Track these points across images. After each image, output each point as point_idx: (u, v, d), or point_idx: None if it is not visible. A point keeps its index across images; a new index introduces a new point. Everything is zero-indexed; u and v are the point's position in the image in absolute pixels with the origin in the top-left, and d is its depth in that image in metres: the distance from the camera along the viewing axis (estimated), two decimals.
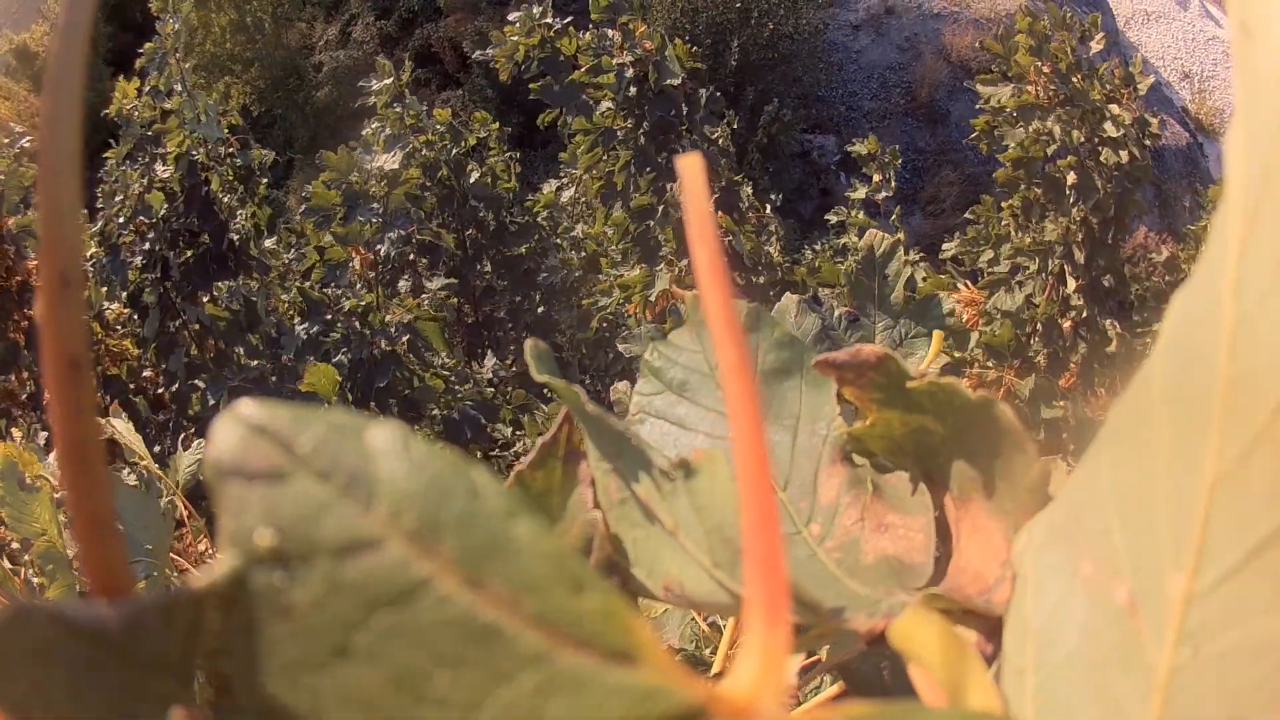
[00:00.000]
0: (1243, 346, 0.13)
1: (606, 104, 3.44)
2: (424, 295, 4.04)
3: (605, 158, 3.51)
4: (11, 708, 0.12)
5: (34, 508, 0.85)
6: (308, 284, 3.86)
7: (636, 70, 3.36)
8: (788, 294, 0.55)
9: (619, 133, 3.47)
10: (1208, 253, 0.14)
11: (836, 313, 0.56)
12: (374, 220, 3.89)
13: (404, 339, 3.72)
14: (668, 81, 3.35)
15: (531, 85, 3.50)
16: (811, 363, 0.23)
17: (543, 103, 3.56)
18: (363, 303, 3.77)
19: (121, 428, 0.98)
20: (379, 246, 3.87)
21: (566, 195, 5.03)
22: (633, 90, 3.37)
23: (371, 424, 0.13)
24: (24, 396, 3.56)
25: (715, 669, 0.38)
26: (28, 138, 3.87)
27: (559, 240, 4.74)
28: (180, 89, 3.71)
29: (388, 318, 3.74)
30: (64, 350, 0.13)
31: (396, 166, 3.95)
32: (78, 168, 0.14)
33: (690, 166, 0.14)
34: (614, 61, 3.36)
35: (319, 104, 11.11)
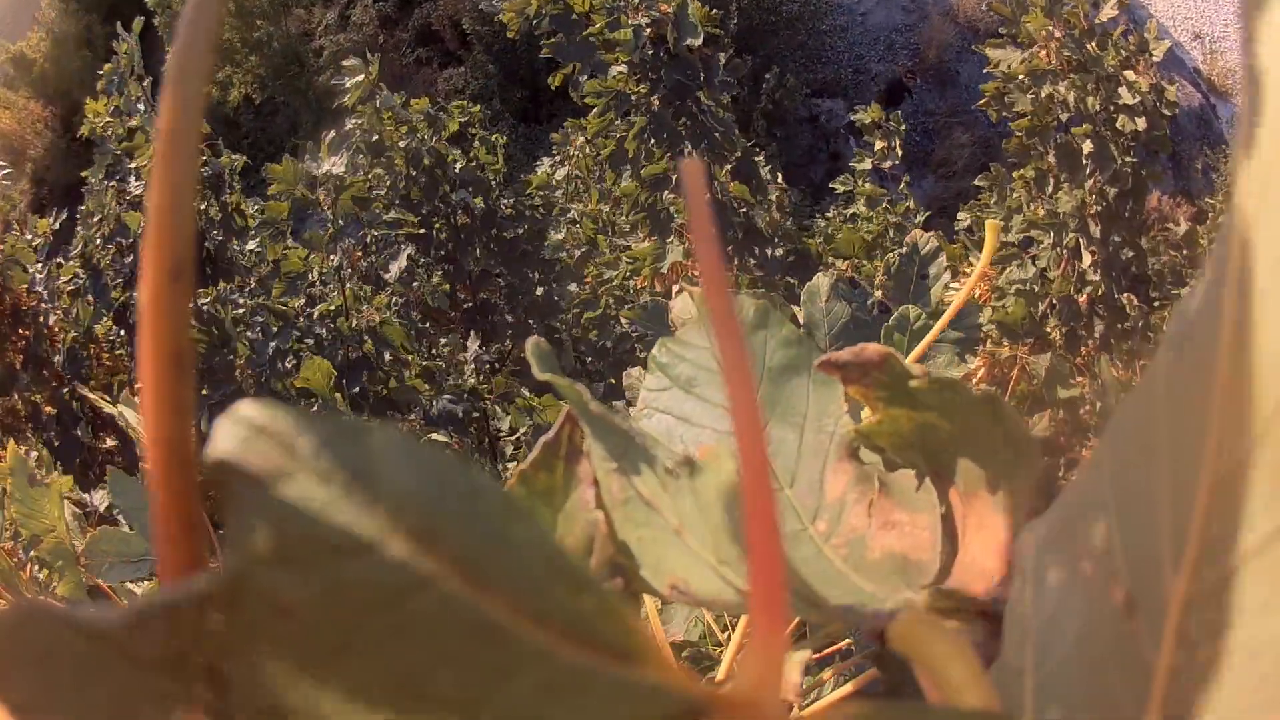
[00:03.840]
0: (1242, 348, 0.13)
1: (619, 67, 3.37)
2: (387, 289, 4.03)
3: (618, 123, 3.44)
4: (15, 708, 0.12)
5: (43, 504, 0.86)
6: (268, 298, 3.84)
7: (654, 31, 3.28)
8: (819, 274, 0.55)
9: (633, 97, 3.40)
10: (1214, 251, 0.14)
11: (871, 299, 0.57)
12: (323, 230, 3.86)
13: (368, 344, 3.71)
14: (687, 42, 3.26)
15: (544, 42, 3.42)
16: (815, 362, 0.23)
17: (547, 75, 3.49)
18: (332, 306, 3.76)
19: (131, 418, 0.98)
20: (332, 256, 3.84)
21: (560, 174, 4.98)
22: (650, 51, 3.29)
23: (373, 426, 0.13)
24: (25, 416, 3.58)
25: (723, 667, 0.38)
26: (8, 170, 3.90)
27: (553, 220, 4.71)
28: (144, 107, 3.69)
29: (353, 324, 3.73)
30: (168, 343, 0.13)
31: (342, 170, 3.91)
32: (195, 164, 0.14)
33: (692, 170, 0.14)
34: (630, 21, 3.28)
35: (321, 89, 11.06)
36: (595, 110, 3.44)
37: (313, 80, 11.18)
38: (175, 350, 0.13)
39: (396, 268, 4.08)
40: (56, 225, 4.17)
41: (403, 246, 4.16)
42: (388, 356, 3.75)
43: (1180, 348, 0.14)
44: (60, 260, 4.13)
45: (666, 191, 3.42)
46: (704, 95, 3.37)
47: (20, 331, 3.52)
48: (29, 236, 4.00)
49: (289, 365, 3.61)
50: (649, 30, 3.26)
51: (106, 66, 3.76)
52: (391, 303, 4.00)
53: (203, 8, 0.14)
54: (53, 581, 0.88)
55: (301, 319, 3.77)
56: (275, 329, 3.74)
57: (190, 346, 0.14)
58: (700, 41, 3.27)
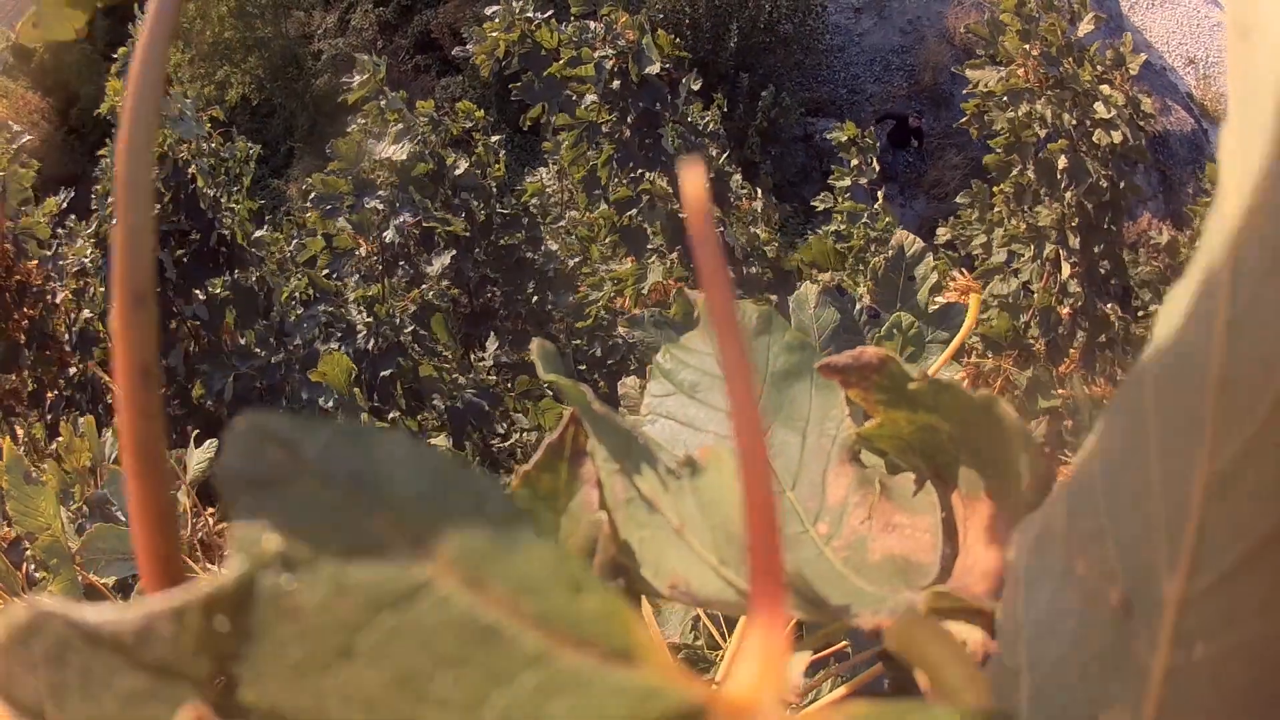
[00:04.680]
0: (1234, 348, 0.13)
1: (590, 98, 3.41)
2: (425, 283, 4.03)
3: (590, 152, 3.49)
4: (26, 709, 0.12)
5: (39, 502, 0.86)
6: (313, 270, 3.86)
7: (618, 62, 3.32)
8: (807, 283, 0.55)
9: (603, 126, 3.43)
10: (1201, 253, 0.14)
11: (858, 306, 0.57)
12: (380, 206, 3.88)
13: (409, 330, 3.71)
14: (647, 70, 3.31)
15: (512, 86, 3.47)
16: (816, 366, 0.23)
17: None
18: (369, 292, 3.76)
19: None
20: (385, 233, 3.86)
21: (552, 181, 5.00)
22: (615, 83, 3.34)
23: (376, 431, 0.13)
24: (26, 394, 3.57)
25: (721, 668, 0.38)
26: (27, 136, 3.86)
27: (545, 230, 4.72)
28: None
29: (396, 308, 3.73)
30: (137, 360, 0.15)
31: (405, 158, 3.92)
32: (151, 194, 0.16)
33: (691, 172, 0.14)
34: (595, 54, 3.32)
35: (318, 92, 11.05)
36: (567, 143, 3.48)
37: (310, 83, 11.17)
38: (144, 364, 0.15)
39: (439, 264, 4.08)
40: (65, 204, 4.16)
41: (445, 244, 4.17)
42: (417, 348, 3.76)
43: (1171, 346, 0.14)
44: (63, 239, 4.11)
45: (634, 213, 3.45)
46: (673, 121, 3.41)
47: (25, 310, 3.51)
48: (39, 215, 3.97)
49: (329, 348, 3.59)
50: (612, 62, 3.30)
51: (121, 50, 3.76)
52: (425, 294, 3.99)
53: (153, 47, 0.15)
54: (47, 580, 0.88)
55: (341, 306, 3.77)
56: (308, 300, 3.75)
57: (156, 361, 0.15)
58: (659, 68, 3.31)
